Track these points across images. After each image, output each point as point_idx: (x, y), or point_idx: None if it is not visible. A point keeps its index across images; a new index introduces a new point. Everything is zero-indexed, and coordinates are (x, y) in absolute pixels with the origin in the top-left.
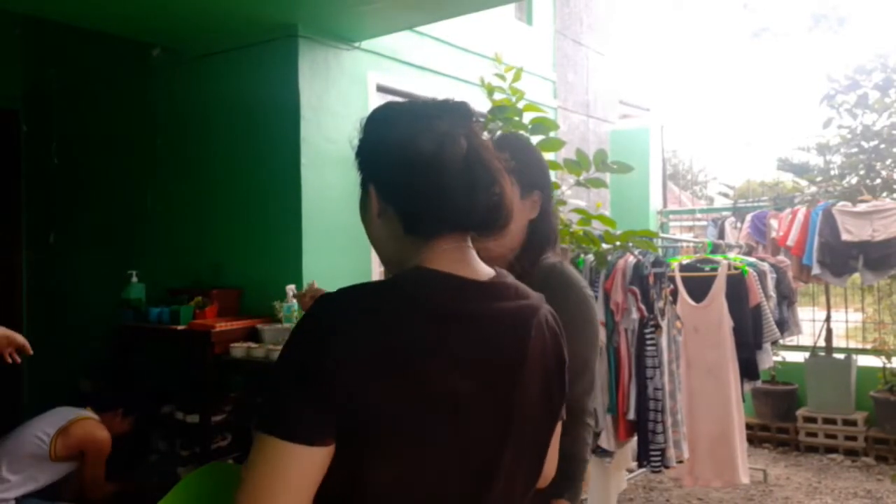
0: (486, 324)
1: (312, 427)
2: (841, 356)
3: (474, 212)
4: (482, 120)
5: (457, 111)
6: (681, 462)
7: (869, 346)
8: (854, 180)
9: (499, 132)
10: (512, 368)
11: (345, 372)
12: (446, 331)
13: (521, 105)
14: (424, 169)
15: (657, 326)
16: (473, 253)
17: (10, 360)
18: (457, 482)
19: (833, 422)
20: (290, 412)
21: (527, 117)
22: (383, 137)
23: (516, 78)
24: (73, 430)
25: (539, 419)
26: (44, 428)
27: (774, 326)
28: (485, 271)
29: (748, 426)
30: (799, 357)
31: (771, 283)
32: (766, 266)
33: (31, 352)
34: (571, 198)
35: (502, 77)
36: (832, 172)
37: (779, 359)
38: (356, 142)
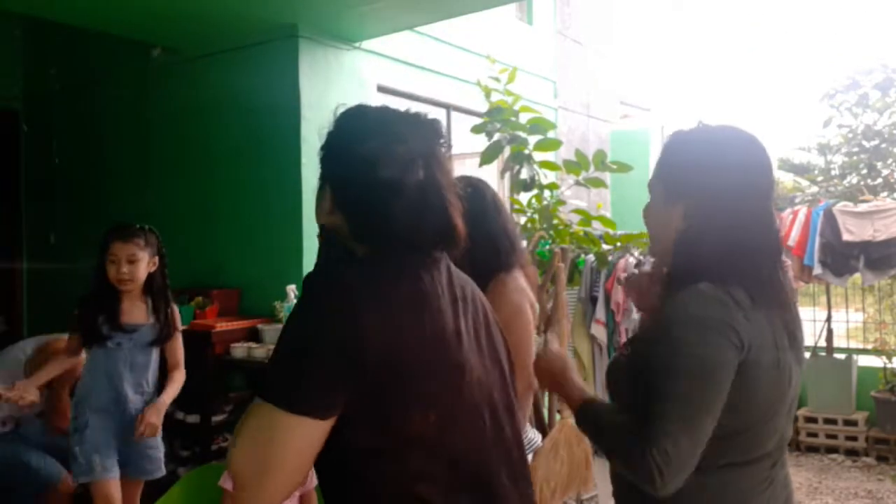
0: (454, 273)
1: (326, 400)
2: (842, 356)
3: (421, 233)
4: (447, 144)
5: (426, 132)
6: None
7: (870, 347)
8: (855, 180)
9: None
10: (484, 309)
11: (380, 328)
12: (438, 275)
13: (517, 107)
14: (379, 192)
15: None
16: None
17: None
18: (484, 414)
19: (834, 422)
20: (306, 384)
21: (523, 118)
22: (348, 147)
23: (511, 79)
24: (51, 344)
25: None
26: (24, 347)
27: None
28: None
29: None
30: (797, 352)
31: None
32: None
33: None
34: (571, 198)
35: (496, 79)
36: (833, 172)
37: None
38: (325, 132)
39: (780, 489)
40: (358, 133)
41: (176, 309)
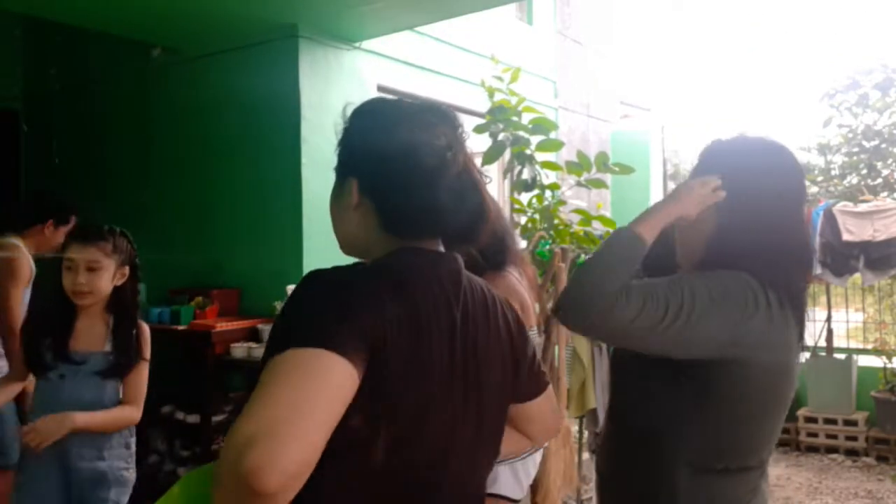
0: (455, 289)
1: (351, 345)
2: (842, 356)
3: (458, 220)
4: (464, 129)
5: (448, 119)
6: None
7: (870, 347)
8: (855, 180)
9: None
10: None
11: (378, 324)
12: (435, 293)
13: (520, 107)
14: (424, 175)
15: None
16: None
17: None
18: (459, 432)
19: (834, 422)
20: (330, 329)
21: (526, 118)
22: (378, 134)
23: (514, 79)
24: None
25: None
26: None
27: None
28: None
29: None
30: (800, 357)
31: None
32: None
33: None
34: (572, 198)
35: (500, 78)
36: (833, 172)
37: None
38: (340, 129)
39: (762, 499)
40: (387, 121)
41: (146, 332)
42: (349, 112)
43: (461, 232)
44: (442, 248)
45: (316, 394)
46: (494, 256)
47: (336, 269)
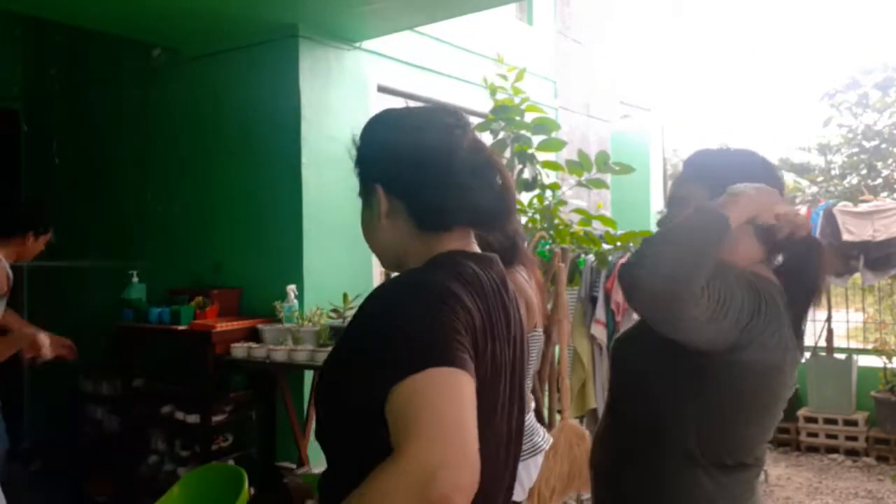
0: (505, 291)
1: (469, 358)
2: (842, 356)
3: (484, 203)
4: (472, 125)
5: (455, 113)
6: None
7: (870, 347)
8: (855, 180)
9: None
10: (521, 341)
11: (471, 334)
12: (492, 298)
13: (523, 106)
14: (440, 162)
15: None
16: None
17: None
18: (500, 447)
19: (834, 422)
20: (452, 345)
21: (528, 117)
22: (393, 137)
23: (519, 78)
24: None
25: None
26: None
27: None
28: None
29: None
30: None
31: None
32: None
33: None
34: (572, 198)
35: (504, 77)
36: (833, 172)
37: None
38: (355, 151)
39: (757, 499)
40: (397, 122)
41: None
42: (364, 129)
43: (489, 215)
44: (476, 245)
45: (470, 414)
46: (505, 254)
47: (410, 277)
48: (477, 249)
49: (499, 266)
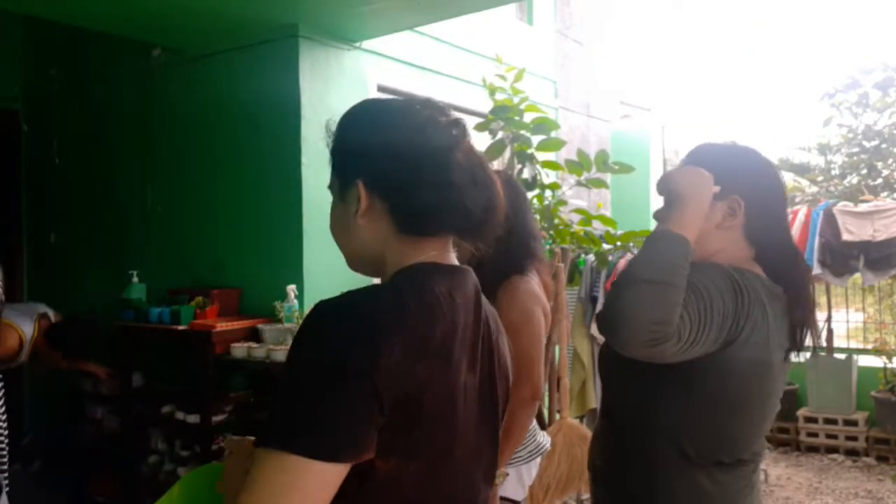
0: (476, 308)
1: (345, 439)
2: (842, 356)
3: (475, 211)
4: (465, 124)
5: (441, 107)
6: None
7: (870, 347)
8: (855, 180)
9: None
10: (492, 354)
11: (393, 366)
12: (459, 317)
13: (522, 106)
14: (435, 163)
15: None
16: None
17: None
18: (474, 462)
19: (834, 422)
20: (321, 423)
21: (528, 117)
22: (379, 130)
23: (518, 78)
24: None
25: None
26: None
27: None
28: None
29: None
30: (799, 357)
31: None
32: None
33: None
34: (572, 198)
35: (503, 77)
36: (833, 172)
37: None
38: (331, 140)
39: (757, 494)
40: (385, 114)
41: None
42: (343, 118)
43: (478, 224)
44: (454, 256)
45: None
46: (520, 260)
47: (357, 297)
48: (453, 260)
49: (472, 280)
